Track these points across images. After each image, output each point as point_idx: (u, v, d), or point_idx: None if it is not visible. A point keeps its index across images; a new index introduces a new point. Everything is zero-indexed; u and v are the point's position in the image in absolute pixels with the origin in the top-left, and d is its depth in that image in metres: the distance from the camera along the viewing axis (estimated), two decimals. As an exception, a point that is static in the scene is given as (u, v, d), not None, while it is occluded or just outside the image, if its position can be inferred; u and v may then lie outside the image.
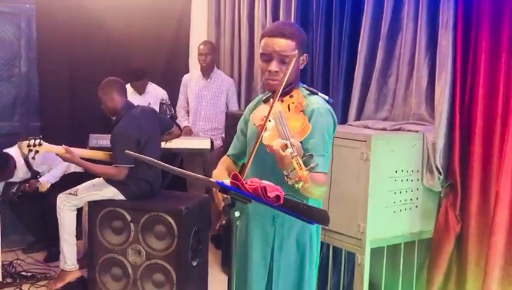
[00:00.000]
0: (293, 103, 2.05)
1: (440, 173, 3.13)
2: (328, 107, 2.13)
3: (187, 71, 5.39)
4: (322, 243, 3.32)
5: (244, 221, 2.24)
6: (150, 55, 5.22)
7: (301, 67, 2.17)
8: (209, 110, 4.96)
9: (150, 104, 4.91)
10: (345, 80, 3.81)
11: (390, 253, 3.24)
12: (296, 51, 2.07)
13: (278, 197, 1.56)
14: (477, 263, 3.05)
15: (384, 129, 3.30)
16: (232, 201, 1.55)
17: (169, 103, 5.07)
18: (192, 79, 5.09)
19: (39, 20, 4.71)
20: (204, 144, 4.59)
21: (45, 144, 3.65)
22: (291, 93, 2.10)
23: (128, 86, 4.95)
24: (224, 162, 2.35)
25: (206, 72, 5.00)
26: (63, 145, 3.64)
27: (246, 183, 1.58)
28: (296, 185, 1.66)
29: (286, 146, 1.70)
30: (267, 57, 2.09)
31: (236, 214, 1.56)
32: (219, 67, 5.24)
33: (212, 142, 4.62)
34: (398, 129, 3.28)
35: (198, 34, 5.49)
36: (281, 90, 2.00)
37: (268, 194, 1.54)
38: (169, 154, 4.66)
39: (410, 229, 3.18)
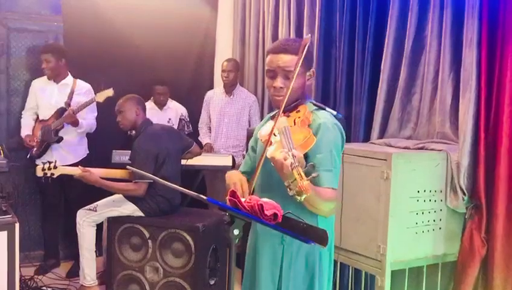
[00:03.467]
0: (299, 117, 2.05)
1: (464, 194, 3.05)
2: (336, 122, 2.11)
3: (211, 88, 5.42)
4: (339, 263, 3.30)
5: (252, 239, 2.22)
6: (175, 72, 5.29)
7: (308, 82, 2.16)
8: (231, 127, 4.97)
9: (170, 119, 4.97)
10: (368, 97, 3.77)
11: (413, 276, 3.17)
12: (300, 67, 2.06)
13: (275, 215, 1.51)
14: (503, 289, 2.94)
15: (407, 148, 3.24)
16: (231, 219, 1.52)
17: (188, 120, 5.11)
18: (215, 96, 5.11)
19: (66, 38, 4.80)
20: (225, 161, 4.59)
21: (60, 167, 3.71)
22: (298, 109, 2.10)
23: (149, 101, 5.03)
24: None
25: (229, 89, 5.02)
26: (79, 166, 3.68)
27: (246, 201, 1.54)
28: (298, 198, 1.64)
29: (287, 157, 1.69)
30: (272, 74, 2.11)
31: (235, 232, 1.52)
32: (243, 85, 5.26)
33: (233, 159, 4.61)
34: (422, 148, 3.22)
35: (223, 51, 5.53)
36: (283, 104, 2.01)
37: (265, 212, 1.51)
38: (190, 171, 4.68)
39: (433, 251, 3.10)
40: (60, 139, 4.34)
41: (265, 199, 1.62)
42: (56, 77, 4.46)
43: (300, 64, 2.04)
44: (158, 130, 3.84)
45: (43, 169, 3.64)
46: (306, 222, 1.67)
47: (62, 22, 4.81)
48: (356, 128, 3.85)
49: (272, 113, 2.29)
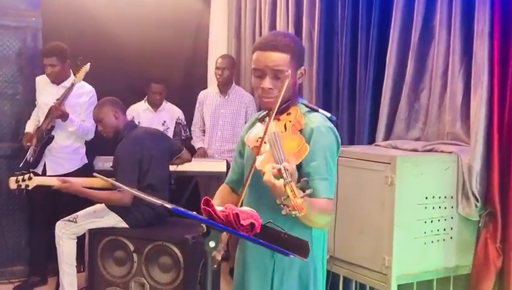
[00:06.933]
0: (290, 121, 2.01)
1: (477, 200, 3.04)
2: (330, 126, 2.07)
3: (205, 87, 5.41)
4: (343, 277, 3.28)
5: (241, 253, 2.20)
6: (165, 70, 5.26)
7: (299, 81, 2.14)
8: (226, 130, 4.96)
9: (165, 122, 4.97)
10: (373, 95, 3.77)
11: (422, 291, 3.14)
12: (291, 66, 2.03)
13: (252, 225, 1.49)
14: (521, 303, 2.92)
15: (415, 150, 3.23)
16: (207, 229, 1.50)
17: (184, 123, 5.12)
18: (208, 96, 5.10)
19: (46, 34, 4.80)
20: (219, 166, 4.58)
21: (36, 177, 3.71)
22: (289, 111, 2.06)
23: (142, 102, 5.04)
24: (221, 193, 2.31)
25: (224, 88, 5.00)
26: (57, 177, 3.68)
27: (221, 210, 1.52)
28: (293, 213, 1.61)
29: (279, 172, 1.65)
30: (260, 73, 2.06)
31: (211, 244, 1.51)
32: (239, 84, 5.25)
33: (228, 165, 4.59)
34: (431, 150, 3.20)
35: (217, 47, 5.53)
36: (275, 111, 1.97)
37: (242, 222, 1.49)
38: (183, 177, 4.67)
39: (444, 263, 3.08)
40: (51, 139, 4.33)
41: (242, 208, 1.60)
42: (59, 80, 4.44)
43: (291, 64, 2.02)
44: (141, 134, 3.83)
45: (17, 181, 3.63)
46: (287, 231, 1.65)
47: (41, 17, 4.81)
48: (360, 130, 3.84)
49: (259, 114, 2.25)
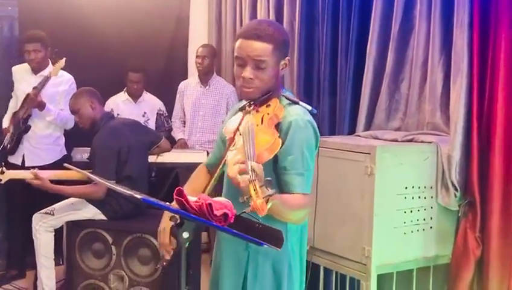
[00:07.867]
0: (268, 114, 1.99)
1: (456, 190, 3.06)
2: (309, 119, 2.05)
3: (185, 78, 5.39)
4: (323, 268, 3.29)
5: (217, 245, 2.20)
6: (145, 60, 5.22)
7: (282, 72, 2.11)
8: (207, 121, 4.96)
9: (145, 113, 4.95)
10: (353, 85, 3.78)
11: (401, 280, 3.16)
12: (273, 56, 2.01)
13: (225, 215, 1.49)
14: (500, 291, 2.96)
15: (395, 140, 3.24)
16: (181, 220, 1.50)
17: (166, 114, 5.10)
18: (189, 86, 5.09)
19: (22, 23, 4.75)
20: (200, 157, 4.54)
21: (9, 171, 3.66)
22: (269, 103, 2.04)
23: (122, 93, 5.00)
24: (197, 175, 2.32)
25: (204, 78, 4.99)
26: (31, 170, 3.64)
27: (195, 200, 1.52)
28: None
29: (244, 169, 1.65)
30: (241, 62, 2.03)
31: (185, 235, 1.50)
32: (220, 74, 5.24)
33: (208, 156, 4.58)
34: (411, 140, 3.22)
35: (198, 36, 5.52)
36: (246, 106, 1.98)
37: (215, 213, 1.48)
38: (164, 168, 4.65)
39: (423, 253, 3.11)
40: (28, 128, 4.32)
41: (217, 198, 1.59)
42: (39, 68, 4.40)
43: (273, 54, 2.00)
44: (118, 125, 3.82)
45: None
46: (262, 222, 1.64)
47: (17, 7, 4.76)
48: (341, 120, 3.85)
49: (241, 103, 2.22)
